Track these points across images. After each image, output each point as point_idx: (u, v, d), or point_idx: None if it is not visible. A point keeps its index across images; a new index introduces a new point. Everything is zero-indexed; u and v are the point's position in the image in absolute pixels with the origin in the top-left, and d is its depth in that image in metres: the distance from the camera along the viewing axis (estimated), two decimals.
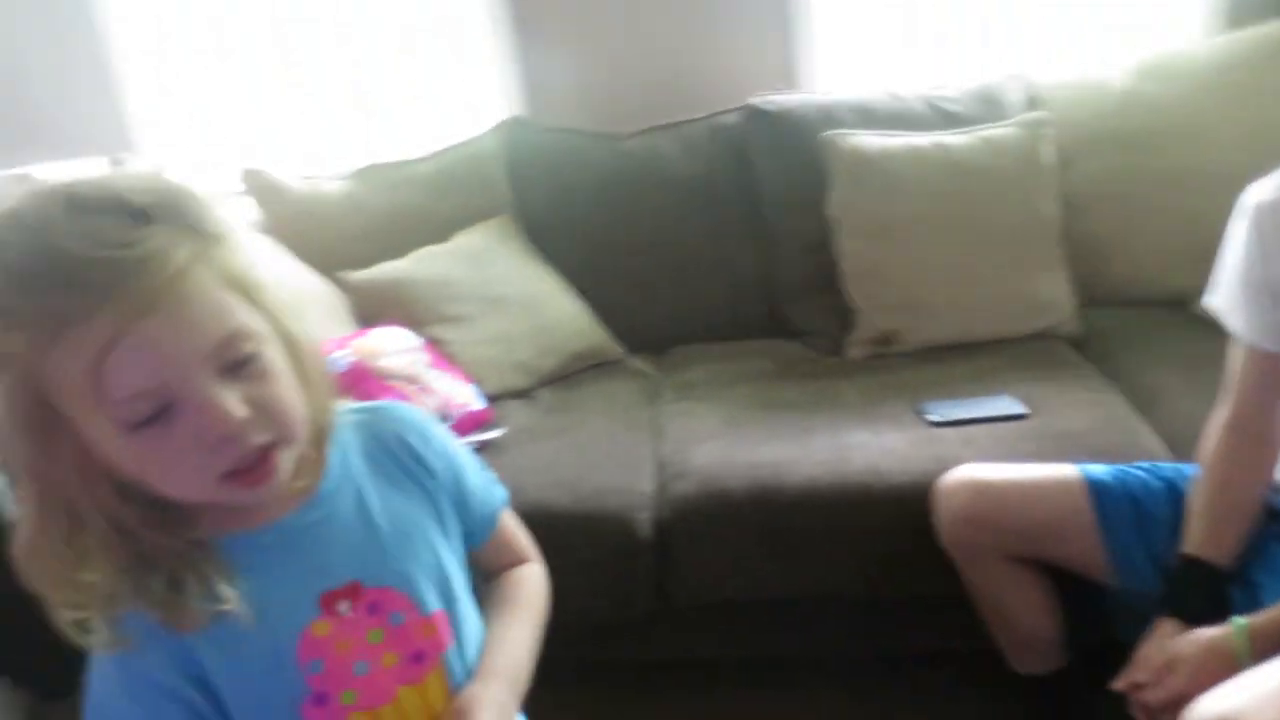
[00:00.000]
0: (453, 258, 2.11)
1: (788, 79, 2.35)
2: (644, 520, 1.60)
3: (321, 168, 2.30)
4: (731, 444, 1.70)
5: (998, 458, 1.50)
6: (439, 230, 2.17)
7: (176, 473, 0.69)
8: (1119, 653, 1.26)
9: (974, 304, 1.98)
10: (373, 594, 0.81)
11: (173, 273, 0.65)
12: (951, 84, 2.18)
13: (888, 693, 1.72)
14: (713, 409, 1.84)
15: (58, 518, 0.70)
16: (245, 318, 0.70)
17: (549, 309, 2.10)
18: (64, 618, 0.72)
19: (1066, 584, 1.44)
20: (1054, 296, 2.00)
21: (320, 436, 0.81)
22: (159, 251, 0.65)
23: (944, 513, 1.45)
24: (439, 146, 2.30)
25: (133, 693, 0.76)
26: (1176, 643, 1.18)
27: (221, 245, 0.71)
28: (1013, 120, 2.06)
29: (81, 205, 0.65)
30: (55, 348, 0.63)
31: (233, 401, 0.68)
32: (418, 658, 0.83)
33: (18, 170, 1.97)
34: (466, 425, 1.81)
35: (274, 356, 0.72)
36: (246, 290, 0.71)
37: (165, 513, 0.73)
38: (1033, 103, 2.13)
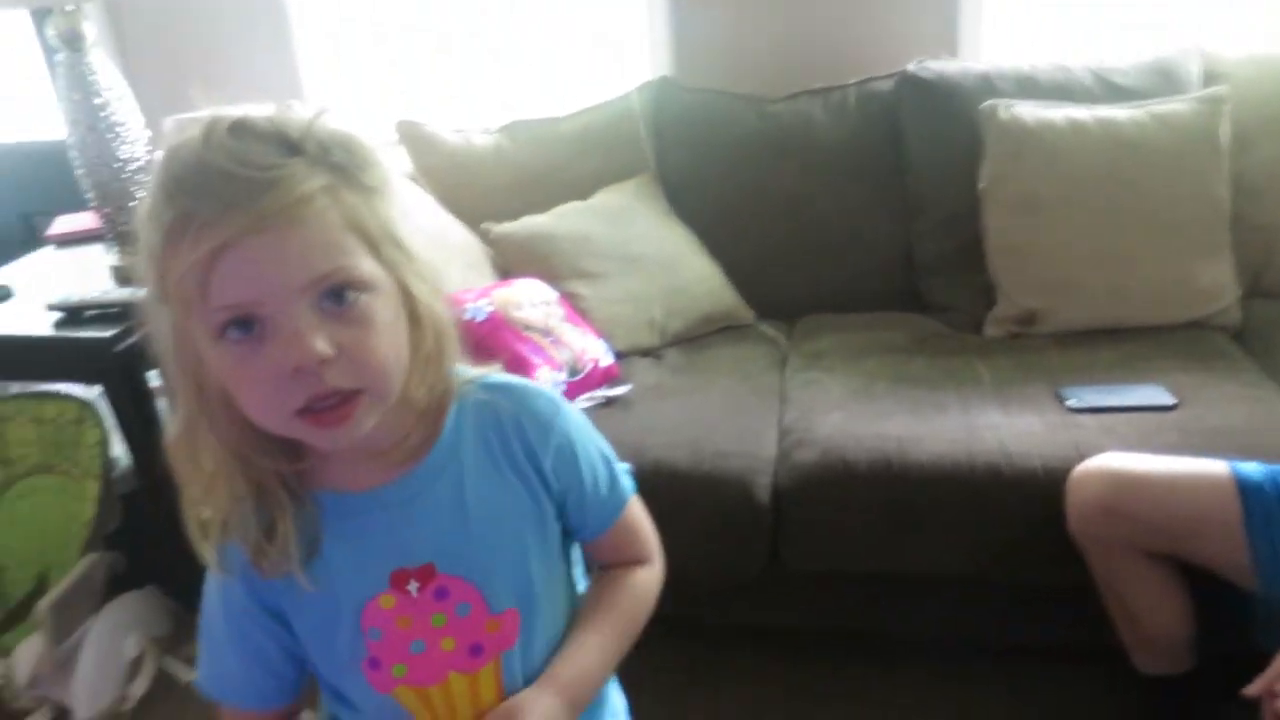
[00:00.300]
0: (593, 214, 2.15)
1: (948, 46, 2.27)
2: (763, 485, 1.60)
3: (473, 121, 2.36)
4: (857, 415, 1.67)
5: (1140, 449, 1.44)
6: (582, 187, 2.20)
7: (256, 396, 0.70)
8: (1251, 659, 1.19)
9: (1126, 287, 1.88)
10: (445, 580, 0.81)
11: (295, 199, 0.67)
12: (1123, 56, 2.06)
13: (987, 681, 1.70)
14: (840, 379, 1.81)
15: (193, 432, 0.74)
16: (360, 263, 0.70)
17: (683, 270, 2.11)
18: (192, 516, 0.77)
19: (1200, 583, 1.37)
20: (1216, 284, 1.88)
21: (434, 411, 0.80)
22: (288, 178, 0.67)
23: (1077, 501, 1.40)
24: (587, 104, 2.32)
25: (229, 615, 0.83)
26: None
27: (361, 192, 0.70)
28: (1188, 95, 1.94)
29: (244, 130, 0.68)
30: (176, 249, 0.66)
31: (319, 336, 0.67)
32: (475, 650, 0.83)
33: (202, 113, 2.13)
34: (595, 380, 1.85)
35: (382, 310, 0.71)
36: (372, 239, 0.71)
37: (274, 444, 0.75)
38: (1211, 78, 1.99)
